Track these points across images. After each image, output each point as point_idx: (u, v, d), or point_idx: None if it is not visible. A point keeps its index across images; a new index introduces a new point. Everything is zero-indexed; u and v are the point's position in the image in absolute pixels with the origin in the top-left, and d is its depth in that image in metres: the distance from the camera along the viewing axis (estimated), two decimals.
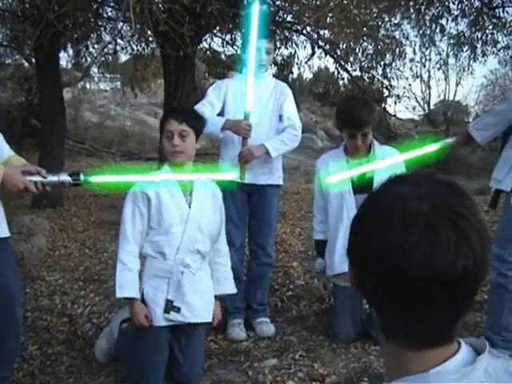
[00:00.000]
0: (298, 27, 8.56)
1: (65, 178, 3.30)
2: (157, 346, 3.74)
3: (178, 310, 3.70)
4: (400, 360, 1.18)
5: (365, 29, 8.11)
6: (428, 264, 1.05)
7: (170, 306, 3.70)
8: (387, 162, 4.16)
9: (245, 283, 4.84)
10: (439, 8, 9.82)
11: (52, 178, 3.28)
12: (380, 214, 1.13)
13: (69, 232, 7.97)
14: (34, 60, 11.38)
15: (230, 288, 4.05)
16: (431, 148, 4.08)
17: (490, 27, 10.15)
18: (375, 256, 1.11)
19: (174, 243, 3.72)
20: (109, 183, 3.59)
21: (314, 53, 9.75)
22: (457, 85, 26.44)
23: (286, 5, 7.99)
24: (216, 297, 3.96)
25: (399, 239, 1.07)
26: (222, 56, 11.20)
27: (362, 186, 4.25)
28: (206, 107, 4.54)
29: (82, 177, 3.30)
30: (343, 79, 11.22)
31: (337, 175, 4.23)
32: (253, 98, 4.36)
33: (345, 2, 7.36)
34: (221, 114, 4.61)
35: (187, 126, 3.72)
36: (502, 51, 11.02)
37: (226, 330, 4.61)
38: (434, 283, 1.07)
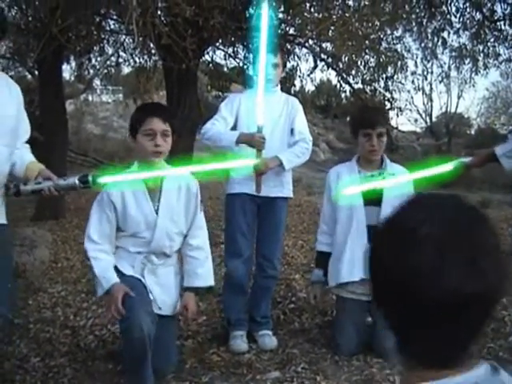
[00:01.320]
0: (301, 40, 8.59)
1: (74, 181, 3.35)
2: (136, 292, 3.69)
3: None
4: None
5: (367, 42, 8.14)
6: (436, 287, 1.08)
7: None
8: (399, 180, 4.20)
9: (250, 295, 4.85)
10: (441, 21, 9.85)
11: (62, 183, 3.35)
12: (393, 238, 1.18)
13: (71, 244, 7.97)
14: (36, 72, 11.43)
15: (199, 282, 4.00)
16: (446, 168, 4.08)
17: (492, 40, 10.18)
18: (388, 278, 1.15)
19: (141, 245, 3.78)
20: (117, 183, 3.65)
21: (316, 66, 9.78)
22: (458, 97, 26.48)
23: (289, 18, 8.02)
24: (194, 289, 4.00)
25: (410, 263, 1.11)
26: (225, 69, 11.24)
27: (371, 198, 4.29)
28: (219, 122, 4.58)
29: (90, 178, 3.35)
30: (345, 92, 11.25)
31: (352, 188, 4.27)
32: (263, 112, 4.38)
33: (347, 15, 7.42)
34: (233, 128, 4.64)
35: (169, 126, 3.70)
36: (503, 64, 11.06)
37: (229, 342, 4.60)
38: (443, 306, 1.09)
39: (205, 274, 4.00)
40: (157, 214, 3.75)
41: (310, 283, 5.99)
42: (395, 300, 1.15)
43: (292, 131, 4.65)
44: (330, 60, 9.26)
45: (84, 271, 6.58)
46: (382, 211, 4.20)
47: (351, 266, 4.34)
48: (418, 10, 9.56)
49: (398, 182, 4.18)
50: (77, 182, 3.37)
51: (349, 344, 4.36)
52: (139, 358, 3.58)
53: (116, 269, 3.75)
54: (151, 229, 3.73)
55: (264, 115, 4.40)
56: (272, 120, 4.53)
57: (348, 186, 4.30)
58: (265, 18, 4.27)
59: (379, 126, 4.26)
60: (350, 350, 4.35)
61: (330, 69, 9.68)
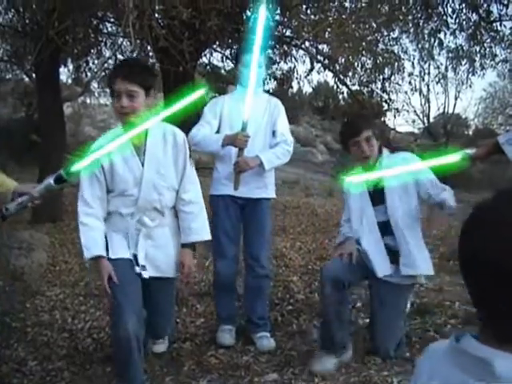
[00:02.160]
0: (297, 42, 8.60)
1: (49, 182, 3.35)
2: (120, 270, 3.68)
3: (137, 264, 3.75)
4: None
5: (363, 43, 8.15)
6: None
7: (135, 262, 3.76)
8: (397, 170, 4.17)
9: (244, 297, 4.93)
10: (437, 22, 9.87)
11: (41, 189, 3.35)
12: (494, 235, 1.21)
13: (69, 247, 7.96)
14: (34, 75, 11.42)
15: (194, 237, 3.92)
16: (451, 158, 4.05)
17: (488, 41, 10.20)
18: (492, 275, 1.19)
19: (130, 204, 3.72)
20: (89, 166, 3.51)
21: (312, 67, 9.79)
22: (456, 98, 26.50)
23: (285, 20, 8.03)
24: (189, 245, 3.93)
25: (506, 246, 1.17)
26: (222, 71, 11.25)
27: (377, 198, 4.32)
28: (204, 127, 4.62)
29: (63, 173, 3.33)
30: (342, 93, 11.28)
31: (357, 176, 4.29)
32: (250, 108, 4.38)
33: (343, 17, 7.42)
34: (218, 130, 4.66)
35: (136, 86, 3.56)
36: (500, 64, 11.07)
37: (216, 335, 4.69)
38: None
39: (199, 229, 3.91)
40: (143, 167, 3.68)
41: (310, 286, 6.02)
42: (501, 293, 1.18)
43: (274, 133, 4.67)
44: (326, 62, 9.27)
45: (82, 274, 6.58)
46: (388, 207, 4.25)
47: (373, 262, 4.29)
48: (414, 12, 9.57)
49: (398, 175, 4.14)
50: (52, 182, 3.35)
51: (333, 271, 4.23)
52: (125, 357, 3.58)
53: (109, 247, 3.73)
54: (138, 183, 3.67)
55: (250, 111, 4.41)
56: (255, 121, 4.54)
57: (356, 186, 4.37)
58: (262, 19, 4.23)
59: (364, 131, 4.24)
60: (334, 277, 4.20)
61: (326, 70, 9.70)
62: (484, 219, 1.26)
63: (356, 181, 4.31)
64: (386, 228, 4.29)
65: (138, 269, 3.73)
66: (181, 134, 3.82)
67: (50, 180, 3.36)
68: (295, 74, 10.67)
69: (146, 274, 3.74)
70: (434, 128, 27.47)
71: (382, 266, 4.23)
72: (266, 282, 4.85)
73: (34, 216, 9.91)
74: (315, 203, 12.20)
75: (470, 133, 29.90)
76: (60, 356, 4.54)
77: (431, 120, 27.67)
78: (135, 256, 3.75)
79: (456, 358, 1.26)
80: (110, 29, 10.17)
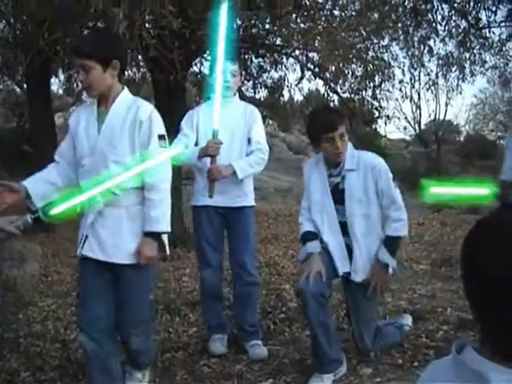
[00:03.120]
0: (288, 50, 8.63)
1: (25, 219, 3.34)
2: (82, 276, 3.68)
3: (85, 240, 3.54)
4: None
5: (354, 51, 8.19)
6: None
7: (84, 241, 3.56)
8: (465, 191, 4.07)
9: (233, 305, 4.94)
10: (427, 29, 9.92)
11: (15, 225, 3.32)
12: (494, 245, 1.23)
13: (62, 257, 7.97)
14: (25, 85, 11.44)
15: (151, 226, 3.52)
16: (478, 191, 3.88)
17: (478, 47, 10.26)
18: (496, 284, 1.20)
19: (84, 176, 3.51)
20: (68, 210, 3.41)
21: (303, 76, 9.82)
22: (446, 105, 26.62)
23: (275, 28, 8.06)
24: (149, 234, 3.54)
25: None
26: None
27: (338, 197, 4.17)
28: (182, 140, 4.62)
29: (41, 213, 3.32)
30: (333, 101, 11.29)
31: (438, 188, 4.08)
32: (219, 116, 4.38)
33: (333, 25, 7.46)
34: (196, 142, 4.67)
35: (86, 59, 3.37)
36: (490, 71, 11.14)
37: (208, 344, 4.69)
38: None
39: (158, 218, 3.53)
40: (99, 134, 3.49)
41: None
42: (503, 304, 1.20)
43: (249, 140, 4.65)
44: (317, 70, 9.30)
45: (74, 284, 6.57)
46: (347, 210, 4.13)
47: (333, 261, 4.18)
48: (404, 19, 9.61)
49: (357, 175, 4.11)
50: (29, 220, 3.35)
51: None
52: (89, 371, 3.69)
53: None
54: (92, 152, 3.47)
55: (221, 121, 4.40)
56: (230, 129, 4.55)
57: (317, 183, 4.25)
58: (223, 24, 4.26)
59: (339, 127, 4.07)
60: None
61: (317, 78, 9.72)
62: (488, 229, 1.28)
63: (439, 192, 4.11)
64: (345, 228, 4.18)
65: (82, 249, 3.55)
66: (145, 112, 3.49)
67: (28, 218, 3.35)
68: (286, 82, 10.71)
69: (85, 252, 3.53)
70: (426, 135, 27.60)
71: (342, 263, 4.15)
72: (254, 289, 4.84)
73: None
74: None
75: (462, 139, 30.05)
76: (52, 366, 4.52)
77: (422, 127, 27.82)
78: (86, 236, 3.54)
79: (456, 369, 1.27)
80: None
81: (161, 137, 3.51)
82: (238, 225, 4.69)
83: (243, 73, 5.16)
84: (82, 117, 3.57)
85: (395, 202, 4.10)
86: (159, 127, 3.53)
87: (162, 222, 3.55)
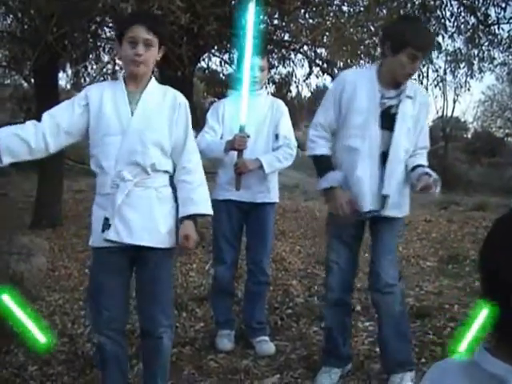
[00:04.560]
0: (296, 46, 8.62)
1: None
2: (97, 271, 3.50)
3: (109, 226, 3.35)
4: None
5: (362, 47, 8.16)
6: None
7: (105, 225, 3.37)
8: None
9: (243, 302, 4.96)
10: (435, 25, 9.88)
11: None
12: None
13: (69, 252, 7.98)
14: (32, 80, 11.45)
15: (196, 208, 3.47)
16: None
17: (486, 44, 10.21)
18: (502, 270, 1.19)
19: (111, 154, 3.35)
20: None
21: (311, 71, 9.80)
22: (454, 101, 26.54)
23: (283, 24, 8.05)
24: (190, 217, 3.45)
25: None
26: (221, 75, 11.26)
27: (385, 122, 3.76)
28: (209, 133, 4.60)
29: None
30: None
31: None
32: (246, 110, 4.38)
33: (341, 21, 7.44)
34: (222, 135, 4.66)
35: (154, 36, 3.36)
36: (498, 67, 11.10)
37: (215, 341, 4.68)
38: None
39: (200, 201, 3.48)
40: (132, 115, 3.40)
41: (309, 290, 6.02)
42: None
43: (276, 136, 4.63)
44: (325, 66, 9.29)
45: (81, 279, 6.59)
46: (395, 137, 3.73)
47: (362, 198, 3.79)
48: (412, 15, 9.57)
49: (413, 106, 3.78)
50: None
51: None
52: (102, 367, 3.63)
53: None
54: (124, 132, 3.36)
55: (248, 115, 4.39)
56: (257, 123, 4.53)
57: (364, 102, 3.76)
58: (250, 20, 4.27)
59: (429, 49, 3.87)
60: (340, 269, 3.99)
61: (325, 74, 9.71)
62: (500, 229, 1.27)
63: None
64: (383, 160, 3.77)
65: (105, 234, 3.36)
66: (183, 99, 3.53)
67: None
68: (294, 78, 10.70)
69: (109, 235, 3.36)
70: (433, 131, 27.50)
71: (373, 199, 3.77)
72: (265, 287, 4.86)
73: (33, 221, 9.93)
74: (314, 207, 12.21)
75: (469, 136, 29.99)
76: (60, 361, 4.53)
77: (430, 123, 27.70)
78: (107, 219, 3.37)
79: (468, 371, 1.24)
80: (108, 34, 10.17)
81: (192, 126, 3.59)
82: (258, 222, 4.68)
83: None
84: (107, 94, 3.43)
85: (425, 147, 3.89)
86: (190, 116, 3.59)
87: (203, 205, 3.50)
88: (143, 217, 3.38)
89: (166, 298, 3.57)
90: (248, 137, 4.40)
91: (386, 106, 3.73)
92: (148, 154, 3.37)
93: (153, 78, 3.53)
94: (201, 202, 3.48)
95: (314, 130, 3.93)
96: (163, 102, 3.46)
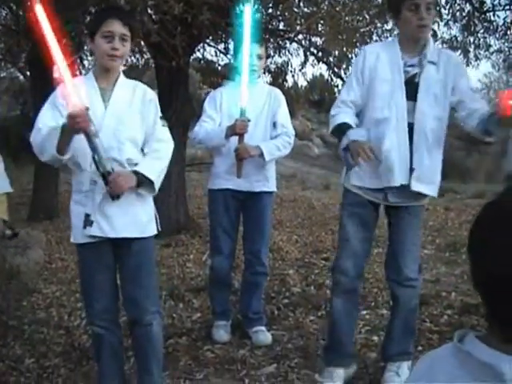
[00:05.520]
0: (291, 35, 8.59)
1: None
2: (84, 266, 3.54)
3: (91, 223, 3.36)
4: None
5: (357, 35, 8.11)
6: None
7: (87, 221, 3.39)
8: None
9: (240, 292, 4.93)
10: None
11: None
12: (499, 232, 1.20)
13: (65, 244, 7.96)
14: (28, 73, 11.42)
15: (140, 167, 3.40)
16: None
17: (482, 31, 10.18)
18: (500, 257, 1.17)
19: (88, 152, 3.28)
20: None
21: (306, 60, 9.76)
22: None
23: (278, 13, 8.01)
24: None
25: None
26: (216, 65, 11.22)
27: (409, 92, 3.59)
28: (207, 122, 4.59)
29: None
30: (337, 86, 11.23)
31: None
32: (247, 94, 4.36)
33: (336, 9, 7.41)
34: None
35: (129, 31, 3.40)
36: (494, 55, 11.05)
37: (212, 331, 4.68)
38: None
39: (149, 167, 3.44)
40: (105, 110, 3.42)
41: (306, 279, 6.02)
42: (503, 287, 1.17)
43: (274, 124, 4.63)
44: (320, 54, 9.25)
45: (78, 271, 6.56)
46: (418, 107, 3.56)
47: (391, 170, 3.63)
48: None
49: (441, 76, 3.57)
50: None
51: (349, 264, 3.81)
52: (96, 354, 3.67)
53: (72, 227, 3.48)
54: (98, 128, 3.29)
55: (247, 100, 4.38)
56: (255, 112, 4.51)
57: (388, 71, 3.62)
58: (249, 7, 4.28)
59: None
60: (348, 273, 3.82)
61: (320, 63, 9.66)
62: (488, 213, 1.26)
63: None
64: (411, 132, 3.60)
65: (87, 231, 3.37)
66: (151, 93, 3.60)
67: None
68: (289, 67, 10.65)
69: (92, 231, 3.37)
70: None
71: (401, 173, 3.60)
72: (263, 278, 4.85)
73: (30, 214, 9.93)
74: (312, 196, 12.23)
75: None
76: (57, 353, 4.53)
77: None
78: (88, 216, 3.39)
79: (460, 360, 1.22)
80: None
81: (161, 117, 3.60)
82: (255, 212, 4.67)
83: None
84: (81, 91, 3.37)
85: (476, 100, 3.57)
86: (159, 108, 3.61)
87: (150, 170, 3.43)
88: (123, 210, 3.43)
89: (150, 284, 3.61)
90: (249, 121, 4.38)
91: (409, 74, 3.59)
92: (123, 149, 3.42)
93: (121, 73, 3.55)
94: (149, 168, 3.44)
95: (334, 107, 3.77)
96: (134, 98, 3.51)
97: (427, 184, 3.65)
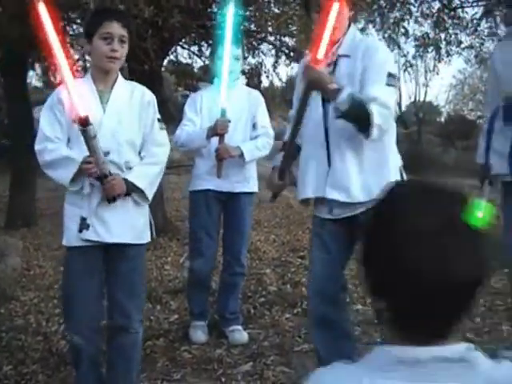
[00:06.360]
0: (262, 35, 8.62)
1: None
2: (72, 270, 3.46)
3: (88, 226, 3.35)
4: None
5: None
6: (441, 275, 1.14)
7: (83, 224, 3.36)
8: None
9: (217, 293, 4.97)
10: (401, 11, 9.93)
11: None
12: (391, 234, 1.20)
13: (44, 250, 7.96)
14: (2, 79, 11.36)
15: (131, 176, 3.39)
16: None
17: (452, 28, 10.29)
18: (390, 269, 1.19)
19: (86, 154, 3.27)
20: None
21: (277, 60, 9.79)
22: (424, 85, 26.69)
23: (249, 14, 8.05)
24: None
25: (412, 256, 1.16)
26: (191, 67, 11.24)
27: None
28: (188, 126, 4.61)
29: None
30: None
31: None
32: (226, 94, 4.39)
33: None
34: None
35: (127, 33, 3.40)
36: (466, 51, 11.18)
37: (189, 332, 4.69)
38: (443, 290, 1.16)
39: (141, 174, 3.44)
40: (104, 113, 3.41)
41: (282, 278, 6.06)
42: (396, 288, 1.19)
43: (254, 125, 4.67)
44: (292, 54, 9.28)
45: (56, 278, 6.56)
46: (329, 107, 3.20)
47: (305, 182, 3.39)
48: (380, 1, 9.61)
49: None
50: None
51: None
52: (75, 364, 3.60)
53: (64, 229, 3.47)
54: (97, 131, 3.26)
55: (227, 102, 4.41)
56: (235, 113, 4.53)
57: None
58: (231, 9, 4.31)
59: None
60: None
61: (293, 63, 9.70)
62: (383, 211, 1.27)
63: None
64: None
65: (82, 234, 3.36)
66: (150, 94, 3.58)
67: None
68: (263, 68, 10.68)
69: (88, 235, 3.36)
70: (406, 116, 27.66)
71: (317, 183, 3.30)
72: (241, 278, 4.88)
73: (7, 221, 9.87)
74: (290, 196, 12.23)
75: (442, 120, 30.20)
76: (35, 359, 4.52)
77: (403, 108, 27.85)
78: (84, 219, 3.36)
79: (387, 368, 1.20)
80: (76, 31, 10.12)
81: (159, 119, 3.58)
82: (236, 213, 4.69)
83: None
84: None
85: (376, 98, 3.06)
86: (157, 110, 3.60)
87: (141, 179, 3.43)
88: (120, 215, 3.41)
89: (140, 292, 3.62)
90: (229, 121, 4.41)
91: None
92: (122, 151, 3.41)
93: (120, 75, 3.54)
94: (141, 178, 3.42)
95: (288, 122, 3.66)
96: (132, 100, 3.50)
97: (340, 190, 3.22)
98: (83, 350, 3.47)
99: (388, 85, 3.12)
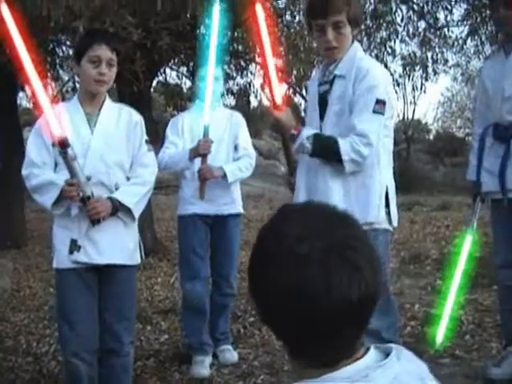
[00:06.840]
0: (250, 56, 8.69)
1: None
2: (66, 292, 3.47)
3: (79, 248, 3.35)
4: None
5: (314, 56, 8.23)
6: (325, 300, 1.12)
7: (73, 246, 3.36)
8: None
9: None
10: (388, 31, 10.04)
11: None
12: (273, 257, 1.19)
13: (34, 271, 7.96)
14: None
15: (120, 196, 3.42)
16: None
17: (438, 46, 10.42)
18: (277, 297, 1.17)
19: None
20: None
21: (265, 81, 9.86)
22: (412, 104, 26.78)
23: (236, 35, 8.12)
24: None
25: (295, 281, 1.14)
26: (180, 88, 11.29)
27: (322, 110, 3.32)
28: (170, 148, 4.62)
29: None
30: (301, 104, 11.36)
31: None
32: (209, 112, 4.40)
33: (291, 30, 7.52)
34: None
35: (115, 55, 3.41)
36: (452, 69, 11.31)
37: (190, 366, 4.52)
38: (332, 315, 1.14)
39: (127, 193, 3.46)
40: (92, 135, 3.43)
41: None
42: (285, 314, 1.17)
43: (236, 146, 4.69)
44: (279, 75, 9.35)
45: (46, 298, 6.58)
46: (322, 126, 3.27)
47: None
48: (367, 21, 9.71)
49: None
50: None
51: None
52: None
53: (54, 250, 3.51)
54: (85, 152, 3.35)
55: (210, 118, 4.40)
56: (217, 135, 4.53)
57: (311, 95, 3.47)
58: (215, 29, 4.31)
59: (334, 14, 3.14)
60: None
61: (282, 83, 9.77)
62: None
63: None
64: None
65: (73, 256, 3.37)
66: (137, 115, 3.60)
67: None
68: (252, 87, 10.75)
69: (79, 257, 3.37)
70: (395, 134, 27.71)
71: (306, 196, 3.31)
72: (230, 299, 4.89)
73: None
74: None
75: (431, 137, 30.32)
76: (25, 381, 4.53)
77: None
78: (74, 241, 3.37)
79: None
80: (65, 52, 10.17)
81: (146, 141, 3.60)
82: (224, 235, 4.68)
83: None
84: (65, 117, 3.40)
85: (355, 128, 3.11)
86: (145, 132, 3.62)
87: (128, 197, 3.45)
88: (111, 236, 3.42)
89: (131, 314, 3.64)
90: (211, 142, 4.41)
91: (321, 92, 3.33)
92: (111, 173, 3.44)
93: (107, 97, 3.56)
94: (128, 196, 3.45)
95: None
96: (119, 121, 3.52)
97: None
98: (81, 372, 3.43)
99: (375, 112, 3.13)
